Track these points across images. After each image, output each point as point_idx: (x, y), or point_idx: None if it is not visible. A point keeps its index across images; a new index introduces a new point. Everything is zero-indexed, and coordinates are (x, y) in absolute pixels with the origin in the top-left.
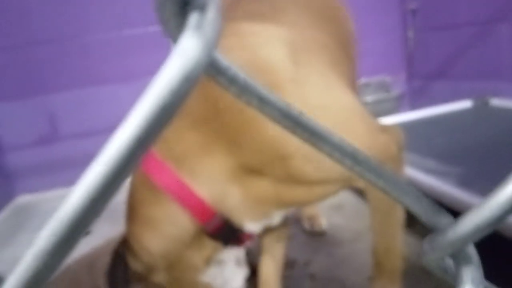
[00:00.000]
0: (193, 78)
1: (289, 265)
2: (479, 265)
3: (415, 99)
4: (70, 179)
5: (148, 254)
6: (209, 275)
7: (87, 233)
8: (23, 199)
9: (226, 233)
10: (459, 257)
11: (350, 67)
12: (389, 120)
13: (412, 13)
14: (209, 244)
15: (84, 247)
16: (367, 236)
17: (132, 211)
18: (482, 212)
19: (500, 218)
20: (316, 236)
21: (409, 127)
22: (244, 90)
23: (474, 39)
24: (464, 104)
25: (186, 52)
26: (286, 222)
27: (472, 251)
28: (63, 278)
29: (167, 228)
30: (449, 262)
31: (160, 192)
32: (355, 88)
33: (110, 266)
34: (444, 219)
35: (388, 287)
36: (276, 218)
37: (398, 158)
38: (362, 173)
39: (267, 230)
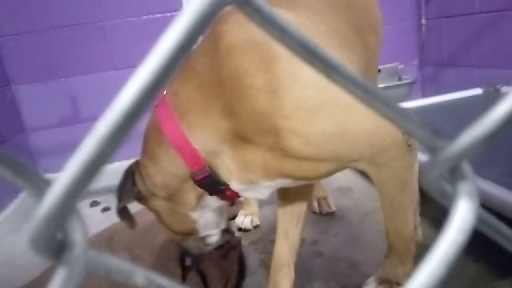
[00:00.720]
0: None
1: None
2: (474, 181)
3: (427, 86)
4: None
5: (151, 182)
6: (197, 214)
7: (107, 209)
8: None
9: (211, 184)
10: (456, 174)
11: (366, 54)
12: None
13: (425, 1)
14: (199, 188)
15: (104, 223)
16: (374, 217)
17: (144, 144)
18: (476, 130)
19: (493, 134)
20: (325, 217)
21: (420, 114)
22: (267, 21)
23: (486, 27)
24: (475, 92)
25: None
26: (304, 203)
27: (467, 168)
28: None
29: (166, 166)
30: (447, 187)
31: (164, 135)
32: (372, 75)
33: (122, 179)
34: (443, 141)
35: (398, 267)
36: (263, 189)
37: (404, 145)
38: (372, 103)
39: (286, 212)
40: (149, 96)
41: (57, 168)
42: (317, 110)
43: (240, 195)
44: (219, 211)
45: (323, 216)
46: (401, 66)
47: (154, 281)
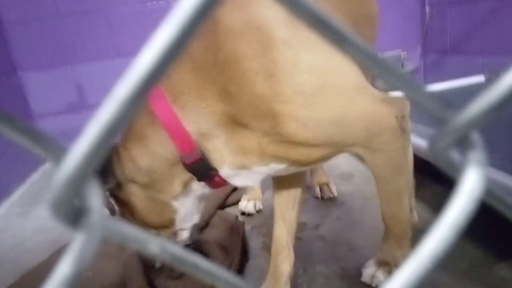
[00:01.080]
0: None
1: (300, 228)
2: (483, 150)
3: (429, 74)
4: None
5: (134, 166)
6: (179, 203)
7: None
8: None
9: (201, 168)
10: (465, 144)
11: None
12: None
13: None
14: (188, 173)
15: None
16: (375, 202)
17: (130, 127)
18: (486, 99)
19: (502, 103)
20: (327, 202)
21: None
22: None
23: (490, 14)
24: (478, 79)
25: None
26: (299, 187)
27: (477, 137)
28: None
29: (155, 148)
30: (456, 157)
31: (154, 117)
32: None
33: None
34: (452, 111)
35: (396, 250)
36: (254, 175)
37: (398, 129)
38: (381, 74)
39: (282, 197)
40: (168, 59)
41: None
42: (315, 95)
43: (227, 182)
44: (199, 200)
45: (324, 201)
46: (404, 53)
47: (167, 249)
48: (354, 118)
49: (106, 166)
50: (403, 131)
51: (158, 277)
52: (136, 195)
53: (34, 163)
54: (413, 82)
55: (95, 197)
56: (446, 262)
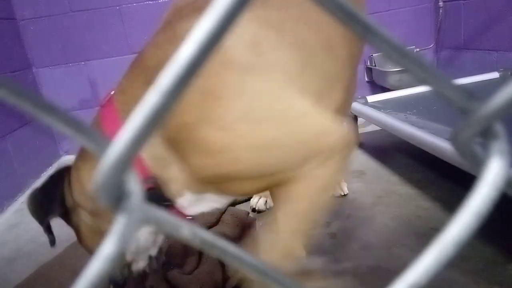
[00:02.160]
0: None
1: None
2: (507, 140)
3: (443, 70)
4: None
5: (80, 189)
6: None
7: None
8: (67, 159)
9: (154, 198)
10: (488, 134)
11: (336, 68)
12: (415, 90)
13: None
14: None
15: None
16: (386, 200)
17: (82, 146)
18: (510, 89)
19: None
20: (338, 199)
21: (436, 98)
22: None
23: (504, 10)
24: (492, 75)
25: None
26: None
27: (500, 128)
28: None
29: None
30: (478, 149)
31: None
32: (344, 87)
33: (46, 186)
34: (476, 102)
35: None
36: (208, 202)
37: (340, 156)
38: (408, 66)
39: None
40: (207, 51)
41: (77, 150)
42: (258, 123)
43: (185, 214)
44: (155, 233)
45: (336, 198)
46: (417, 49)
47: (198, 234)
48: (291, 147)
49: (53, 192)
50: (341, 162)
51: (171, 272)
52: (83, 221)
53: (49, 159)
54: (439, 73)
55: (135, 182)
56: (459, 261)
